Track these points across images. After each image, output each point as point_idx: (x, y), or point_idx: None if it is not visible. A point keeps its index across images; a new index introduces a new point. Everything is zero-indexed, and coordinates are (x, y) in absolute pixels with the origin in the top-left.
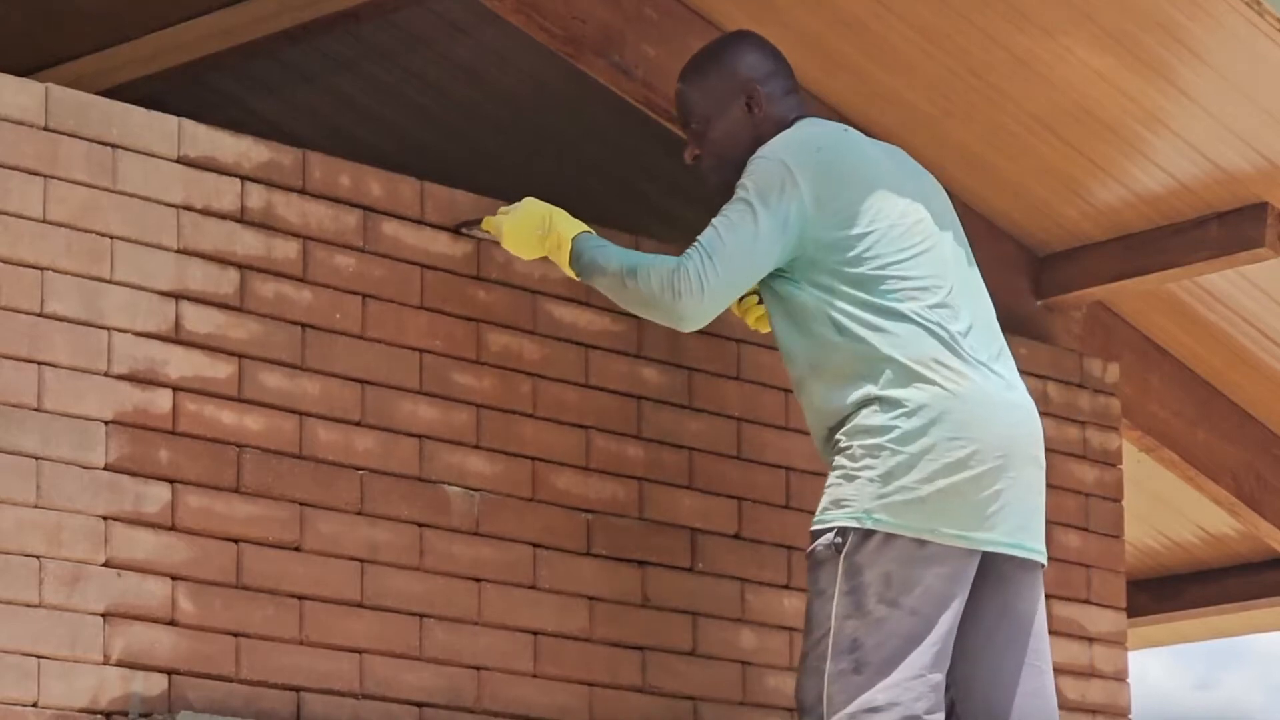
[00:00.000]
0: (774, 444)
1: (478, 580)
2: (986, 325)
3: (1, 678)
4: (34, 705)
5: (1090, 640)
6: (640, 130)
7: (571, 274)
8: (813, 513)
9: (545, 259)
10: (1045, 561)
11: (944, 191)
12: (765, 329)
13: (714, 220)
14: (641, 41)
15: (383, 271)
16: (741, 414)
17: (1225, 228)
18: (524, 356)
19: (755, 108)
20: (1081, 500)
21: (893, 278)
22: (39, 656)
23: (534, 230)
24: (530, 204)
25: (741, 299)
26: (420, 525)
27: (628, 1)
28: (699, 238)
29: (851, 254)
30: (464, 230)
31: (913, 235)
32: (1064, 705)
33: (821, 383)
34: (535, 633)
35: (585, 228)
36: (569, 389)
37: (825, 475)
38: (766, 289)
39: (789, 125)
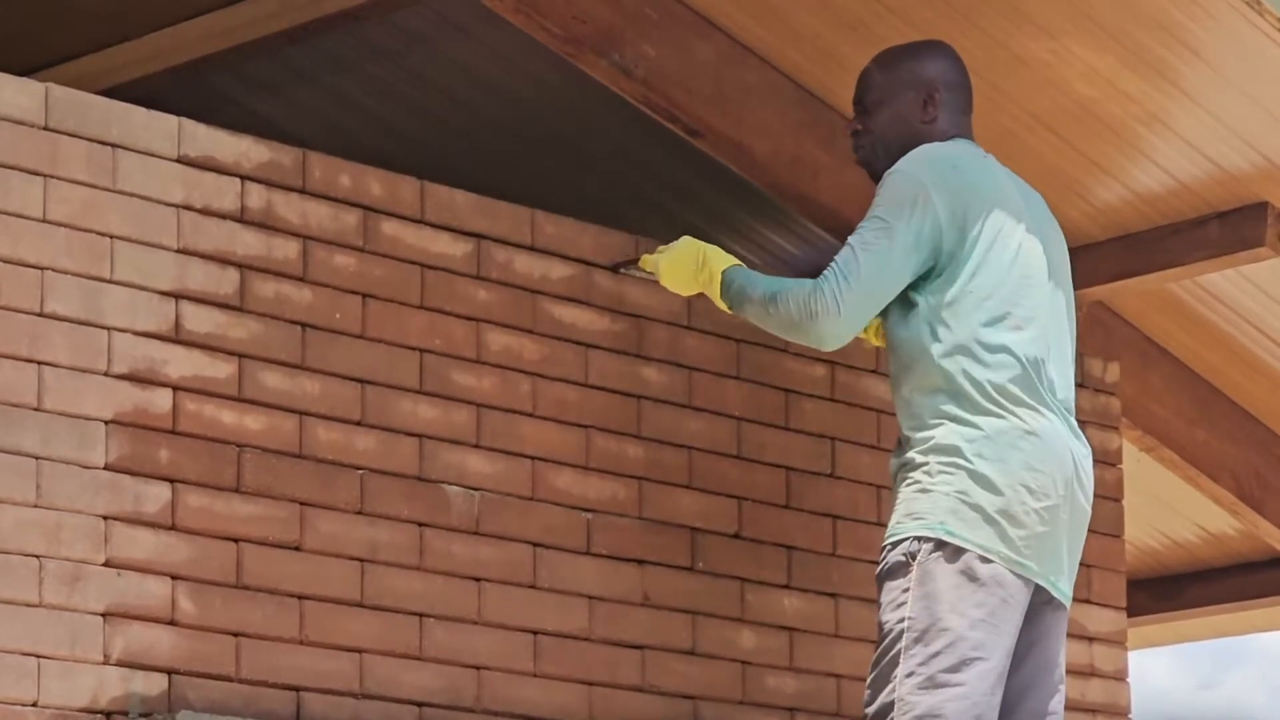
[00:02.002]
0: (774, 444)
1: (478, 580)
2: (1069, 376)
3: (1, 678)
4: (34, 705)
5: (1090, 640)
6: (640, 130)
7: (724, 307)
8: (812, 513)
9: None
10: (1069, 606)
11: (1064, 242)
12: (881, 343)
13: (849, 239)
14: (642, 41)
15: (383, 271)
16: (741, 414)
17: (1225, 227)
18: (524, 356)
19: (930, 107)
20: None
21: (998, 307)
22: (39, 656)
23: (689, 266)
24: (686, 241)
25: None
26: (420, 525)
27: (628, 1)
28: (835, 257)
29: (966, 274)
30: (621, 269)
31: (1025, 271)
32: (1065, 705)
33: (910, 384)
34: (535, 633)
35: (737, 261)
36: (569, 389)
37: (825, 475)
38: None
39: (946, 140)
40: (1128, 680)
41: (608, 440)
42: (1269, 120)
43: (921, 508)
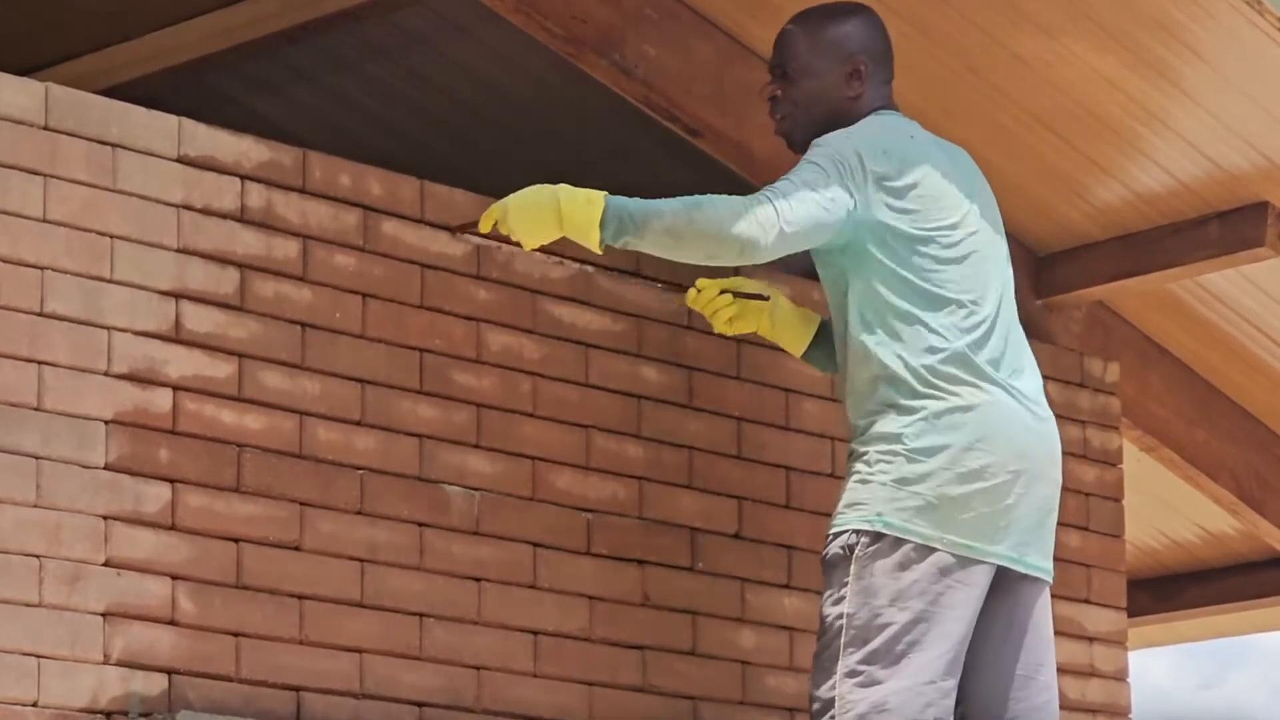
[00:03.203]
0: (774, 444)
1: (478, 580)
2: (1015, 341)
3: (1, 678)
4: (34, 705)
5: (1090, 640)
6: (640, 130)
7: (595, 241)
8: (812, 512)
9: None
10: (1050, 579)
11: (994, 197)
12: (731, 331)
13: (786, 175)
14: (642, 41)
15: (383, 271)
16: (741, 414)
17: (1225, 227)
18: (524, 356)
19: (856, 82)
20: (1081, 500)
21: (930, 289)
22: (39, 656)
23: (547, 206)
24: (536, 187)
25: (709, 296)
26: (420, 525)
27: (628, 1)
28: (772, 185)
29: (898, 259)
30: (458, 233)
31: (959, 247)
32: (1064, 705)
33: (855, 376)
34: (535, 633)
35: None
36: (569, 389)
37: (825, 475)
38: (825, 270)
39: (872, 112)
40: (1128, 680)
41: (608, 440)
42: (1269, 120)
43: (860, 498)
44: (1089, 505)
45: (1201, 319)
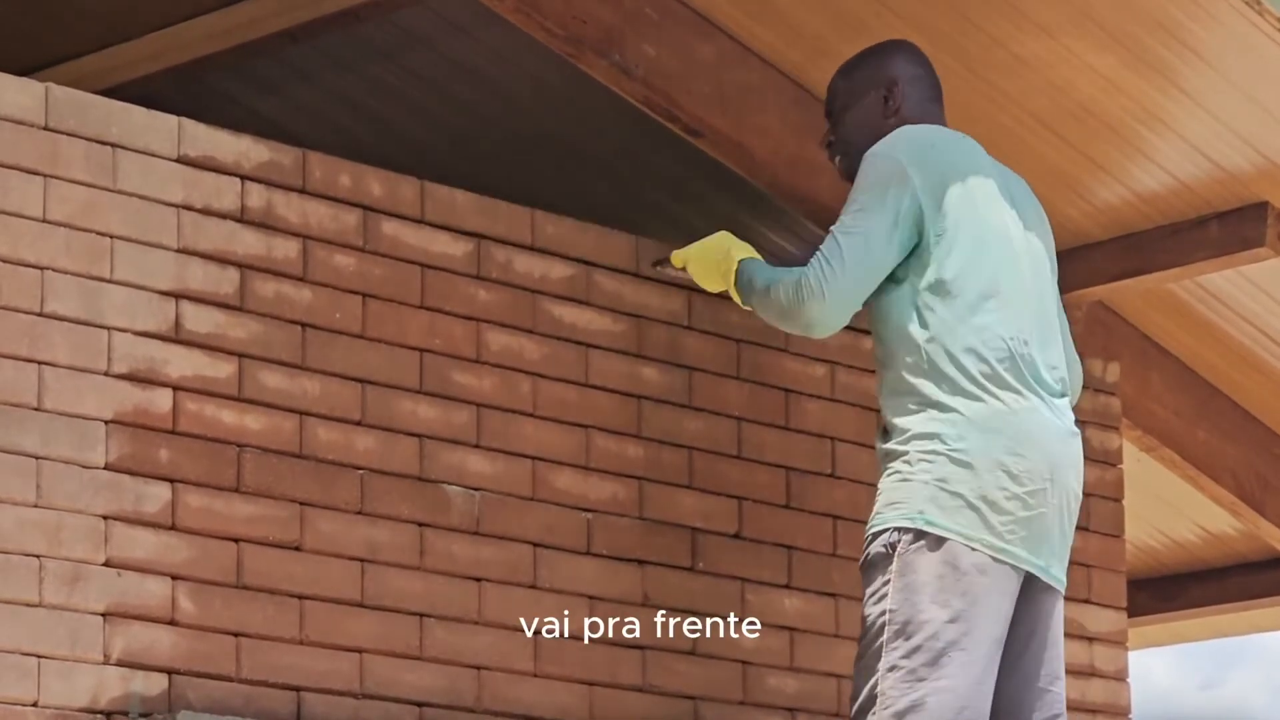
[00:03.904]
0: (774, 444)
1: (478, 580)
2: (1055, 358)
3: (1, 677)
4: (34, 705)
5: (1090, 640)
6: (640, 130)
7: (739, 302)
8: (812, 512)
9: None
10: (1064, 589)
11: (1048, 224)
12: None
13: (832, 227)
14: (642, 41)
15: (383, 271)
16: (741, 414)
17: (1225, 227)
18: (524, 356)
19: (892, 102)
20: (1082, 500)
21: (981, 287)
22: (39, 656)
23: (715, 258)
24: (719, 235)
25: None
26: (420, 525)
27: (628, 1)
28: (820, 246)
29: (941, 257)
30: (656, 267)
31: (1007, 250)
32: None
33: (894, 369)
34: (535, 632)
35: (756, 254)
36: (569, 389)
37: (825, 475)
38: None
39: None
40: (1128, 680)
41: (608, 440)
42: (1269, 120)
43: (901, 496)
44: (1089, 505)
45: (1201, 319)
